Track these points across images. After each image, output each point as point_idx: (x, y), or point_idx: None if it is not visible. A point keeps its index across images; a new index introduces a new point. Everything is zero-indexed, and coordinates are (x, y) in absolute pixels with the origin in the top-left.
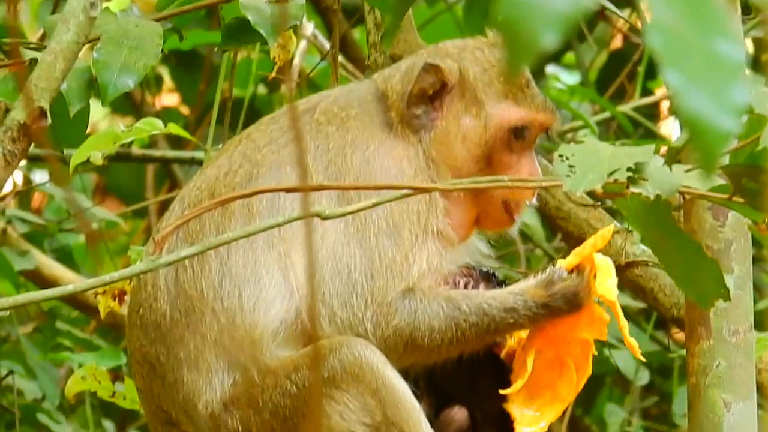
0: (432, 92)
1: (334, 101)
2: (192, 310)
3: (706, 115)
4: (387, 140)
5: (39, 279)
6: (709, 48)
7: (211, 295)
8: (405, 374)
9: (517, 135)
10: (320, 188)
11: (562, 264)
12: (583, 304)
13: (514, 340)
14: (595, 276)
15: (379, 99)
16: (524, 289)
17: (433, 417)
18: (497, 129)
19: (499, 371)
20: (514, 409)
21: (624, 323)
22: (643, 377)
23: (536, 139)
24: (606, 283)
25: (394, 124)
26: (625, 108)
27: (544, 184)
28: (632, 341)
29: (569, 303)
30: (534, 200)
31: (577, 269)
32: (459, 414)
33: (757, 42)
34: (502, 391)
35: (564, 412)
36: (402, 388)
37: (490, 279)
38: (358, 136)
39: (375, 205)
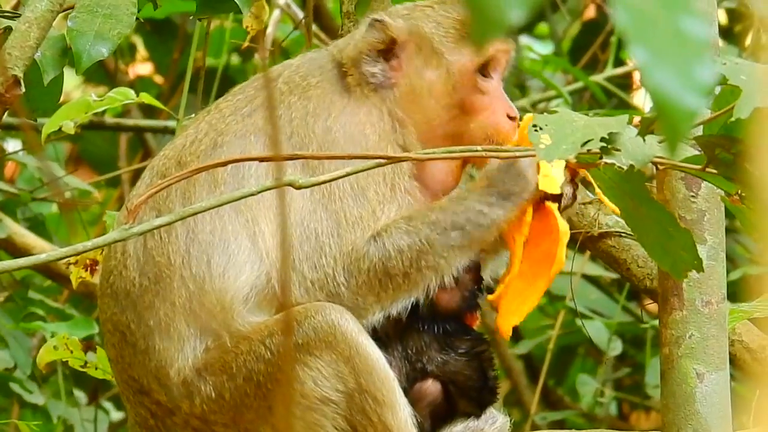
0: (384, 48)
1: (295, 70)
2: (161, 276)
3: (672, 92)
4: (348, 106)
5: (11, 248)
6: (675, 25)
7: (179, 261)
8: (379, 343)
9: (484, 73)
10: (291, 158)
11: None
12: (534, 174)
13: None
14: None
15: (338, 66)
16: (470, 188)
17: (407, 388)
18: (461, 73)
19: (474, 343)
20: (503, 302)
21: (563, 224)
22: (616, 348)
23: (504, 73)
24: (550, 173)
25: (352, 89)
26: (598, 78)
27: (517, 155)
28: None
29: (519, 177)
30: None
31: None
32: (432, 387)
33: (730, 13)
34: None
35: (537, 382)
36: (376, 356)
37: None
38: (318, 104)
39: (347, 174)
